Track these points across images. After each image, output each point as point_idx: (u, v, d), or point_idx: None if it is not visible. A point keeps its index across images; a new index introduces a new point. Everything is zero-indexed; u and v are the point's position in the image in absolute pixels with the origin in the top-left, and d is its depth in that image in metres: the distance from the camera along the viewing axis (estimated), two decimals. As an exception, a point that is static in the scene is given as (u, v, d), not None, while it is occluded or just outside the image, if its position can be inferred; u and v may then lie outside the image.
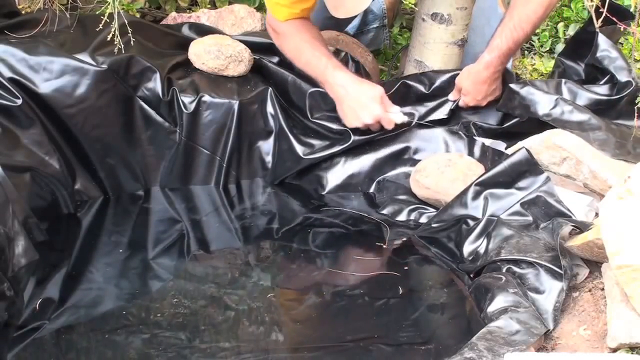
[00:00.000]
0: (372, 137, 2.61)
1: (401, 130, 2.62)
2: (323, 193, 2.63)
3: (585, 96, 2.51)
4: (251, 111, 2.65)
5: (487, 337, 1.84)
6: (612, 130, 2.38)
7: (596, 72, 2.59)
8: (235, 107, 2.61)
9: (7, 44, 2.46)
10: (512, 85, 2.51)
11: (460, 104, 2.62)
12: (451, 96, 2.63)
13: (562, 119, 2.42)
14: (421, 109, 2.64)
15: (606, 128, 2.38)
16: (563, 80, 2.55)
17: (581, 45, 2.65)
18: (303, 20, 2.62)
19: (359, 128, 2.58)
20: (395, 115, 2.57)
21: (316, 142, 2.64)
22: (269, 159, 2.68)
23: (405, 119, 2.59)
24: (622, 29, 2.44)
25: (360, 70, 2.74)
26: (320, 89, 2.62)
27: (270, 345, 2.02)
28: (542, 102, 2.46)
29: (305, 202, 2.61)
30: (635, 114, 2.43)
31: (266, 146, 2.68)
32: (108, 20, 2.47)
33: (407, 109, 2.62)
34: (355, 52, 2.84)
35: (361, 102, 2.53)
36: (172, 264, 2.34)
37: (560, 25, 3.42)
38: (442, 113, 2.63)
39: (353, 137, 2.59)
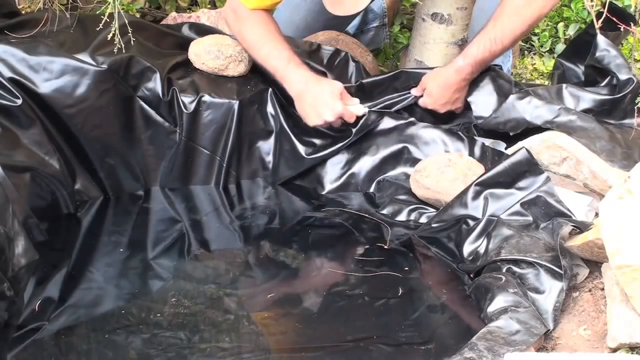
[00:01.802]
0: (369, 128, 2.60)
1: (399, 130, 2.62)
2: (323, 193, 2.63)
3: (588, 98, 2.51)
4: (251, 111, 2.65)
5: (487, 337, 1.84)
6: (617, 140, 2.38)
7: (596, 74, 2.59)
8: (235, 107, 2.60)
9: (7, 44, 2.46)
10: (513, 97, 2.50)
11: (420, 102, 2.61)
12: (414, 91, 2.62)
13: (565, 126, 2.42)
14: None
15: (610, 138, 2.38)
16: (564, 85, 2.55)
17: (581, 47, 2.65)
18: (267, 13, 2.61)
19: (322, 126, 2.56)
20: (355, 107, 2.56)
21: (318, 141, 2.64)
22: (269, 158, 2.68)
23: (366, 110, 2.57)
24: (622, 29, 2.45)
25: (360, 70, 2.74)
26: None
27: (270, 345, 2.02)
28: (543, 114, 2.46)
29: (305, 202, 2.61)
30: (636, 114, 2.43)
31: (266, 146, 2.68)
32: (108, 20, 2.48)
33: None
34: (355, 52, 2.84)
35: (321, 99, 2.51)
36: (172, 264, 2.34)
37: (560, 25, 3.42)
38: (402, 105, 2.63)
39: (354, 131, 2.58)
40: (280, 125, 2.67)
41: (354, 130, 2.59)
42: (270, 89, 2.67)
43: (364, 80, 2.68)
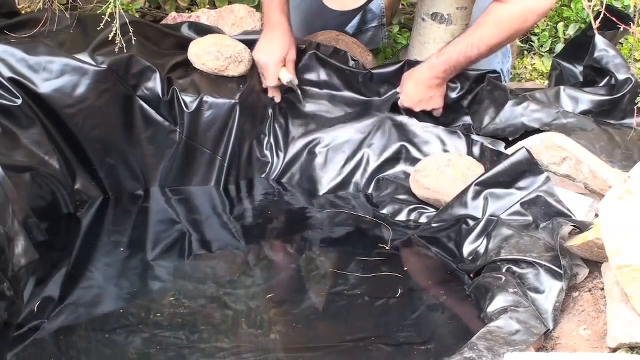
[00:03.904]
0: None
1: (398, 129, 2.62)
2: (322, 193, 2.63)
3: (587, 100, 2.52)
4: (252, 111, 2.65)
5: (487, 337, 1.84)
6: (616, 142, 2.38)
7: (594, 75, 2.59)
8: (237, 107, 2.60)
9: (7, 44, 2.45)
10: (511, 103, 2.51)
11: (399, 103, 2.63)
12: (399, 88, 2.64)
13: (565, 128, 2.43)
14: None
15: (609, 139, 2.38)
16: (562, 88, 2.55)
17: (579, 47, 2.65)
18: None
19: (258, 68, 2.64)
20: (283, 73, 2.61)
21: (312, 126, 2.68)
22: (268, 159, 2.68)
23: (290, 77, 2.62)
24: (621, 29, 2.45)
25: (360, 68, 2.73)
26: None
27: (270, 345, 2.02)
28: (542, 118, 2.47)
29: (305, 202, 2.61)
30: (635, 114, 2.43)
31: (266, 146, 2.69)
32: (108, 20, 2.47)
33: None
34: (355, 52, 2.84)
35: (268, 42, 2.62)
36: (172, 264, 2.34)
37: (560, 25, 3.42)
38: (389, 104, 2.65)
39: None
40: (280, 124, 2.67)
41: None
42: (270, 89, 2.69)
43: (374, 71, 2.70)
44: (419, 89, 2.57)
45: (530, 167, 2.30)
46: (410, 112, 2.62)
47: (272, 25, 2.62)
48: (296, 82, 2.65)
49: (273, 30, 2.62)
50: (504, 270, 2.10)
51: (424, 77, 2.55)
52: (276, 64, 2.60)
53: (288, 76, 2.63)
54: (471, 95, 2.67)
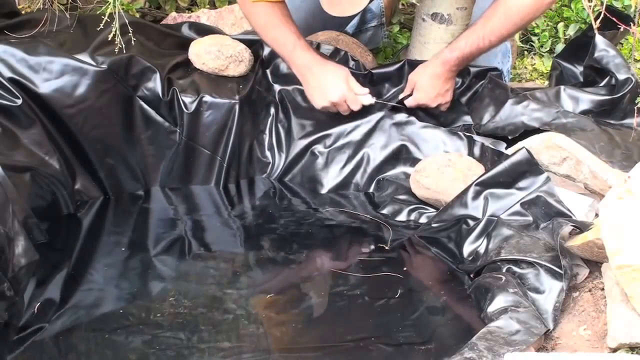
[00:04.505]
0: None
1: (398, 128, 2.62)
2: (323, 192, 2.63)
3: (587, 99, 2.52)
4: (252, 111, 2.65)
5: (487, 337, 1.84)
6: (616, 142, 2.38)
7: (595, 75, 2.59)
8: (236, 107, 2.61)
9: (7, 44, 2.46)
10: (510, 101, 2.52)
11: (410, 101, 2.61)
12: (407, 90, 2.63)
13: (565, 128, 2.43)
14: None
15: (609, 139, 2.38)
16: (562, 87, 2.55)
17: (579, 47, 2.66)
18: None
19: (329, 109, 2.58)
20: (362, 97, 2.57)
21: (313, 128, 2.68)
22: (269, 159, 2.68)
23: (373, 100, 2.58)
24: (621, 29, 2.45)
25: (360, 69, 2.74)
26: None
27: (270, 345, 2.02)
28: (541, 117, 2.47)
29: (305, 201, 2.61)
30: (635, 114, 2.43)
31: (266, 146, 2.69)
32: (108, 20, 2.48)
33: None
34: (355, 52, 2.84)
35: (325, 81, 2.54)
36: (173, 264, 2.34)
37: (560, 26, 3.42)
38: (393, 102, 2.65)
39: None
40: (280, 123, 2.67)
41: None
42: (271, 88, 2.68)
43: (374, 70, 2.70)
44: (436, 83, 2.57)
45: (530, 167, 2.30)
46: (411, 110, 2.62)
47: (309, 65, 2.55)
48: (373, 100, 2.59)
49: (313, 68, 2.55)
50: (504, 270, 2.10)
51: (439, 72, 2.56)
52: (349, 91, 2.55)
53: (370, 98, 2.58)
54: (471, 91, 2.67)
